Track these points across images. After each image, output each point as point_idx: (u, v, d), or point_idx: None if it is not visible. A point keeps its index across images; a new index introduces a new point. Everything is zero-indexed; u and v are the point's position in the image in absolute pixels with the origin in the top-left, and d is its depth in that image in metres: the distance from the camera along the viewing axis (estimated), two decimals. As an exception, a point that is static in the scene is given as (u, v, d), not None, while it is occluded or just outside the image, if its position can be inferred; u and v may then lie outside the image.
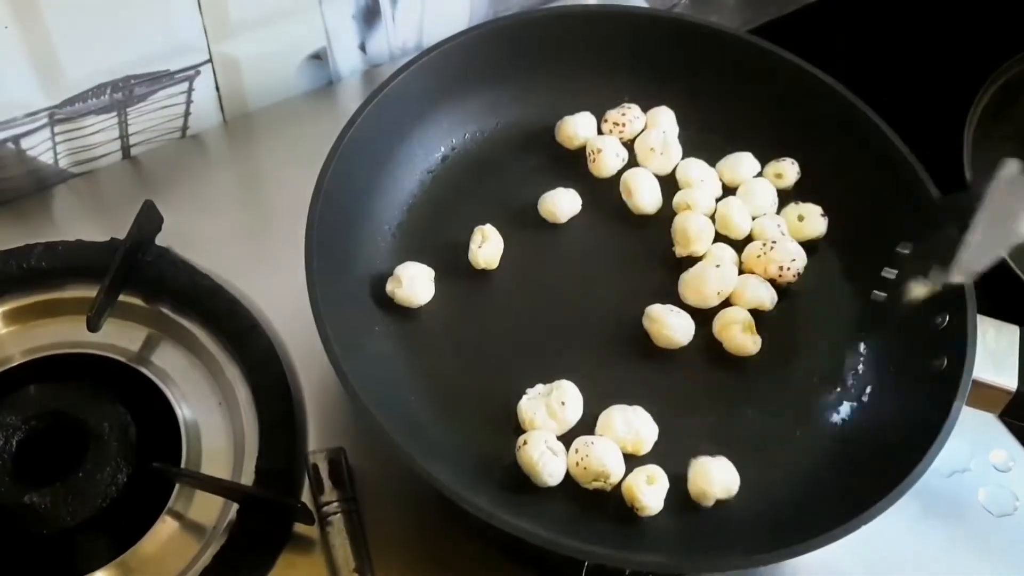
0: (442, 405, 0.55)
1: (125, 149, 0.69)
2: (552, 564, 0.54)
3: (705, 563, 0.51)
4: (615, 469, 0.53)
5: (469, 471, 0.52)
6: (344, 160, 0.56)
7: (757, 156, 0.64)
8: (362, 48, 0.73)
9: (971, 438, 0.61)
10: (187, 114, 0.69)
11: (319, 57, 0.72)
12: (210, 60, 0.67)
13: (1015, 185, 0.53)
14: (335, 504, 0.55)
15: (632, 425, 0.54)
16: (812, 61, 0.64)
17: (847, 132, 0.63)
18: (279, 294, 0.62)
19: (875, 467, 0.53)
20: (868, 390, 0.57)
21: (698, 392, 0.57)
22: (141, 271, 0.62)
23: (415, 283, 0.57)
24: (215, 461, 0.58)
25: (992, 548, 0.58)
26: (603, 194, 0.63)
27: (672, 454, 0.54)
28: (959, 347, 0.54)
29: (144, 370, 0.61)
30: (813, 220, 0.62)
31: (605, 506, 0.53)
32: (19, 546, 0.54)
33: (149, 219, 0.62)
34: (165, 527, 0.56)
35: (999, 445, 0.61)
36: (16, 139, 0.63)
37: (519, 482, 0.53)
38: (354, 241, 0.58)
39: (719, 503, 0.54)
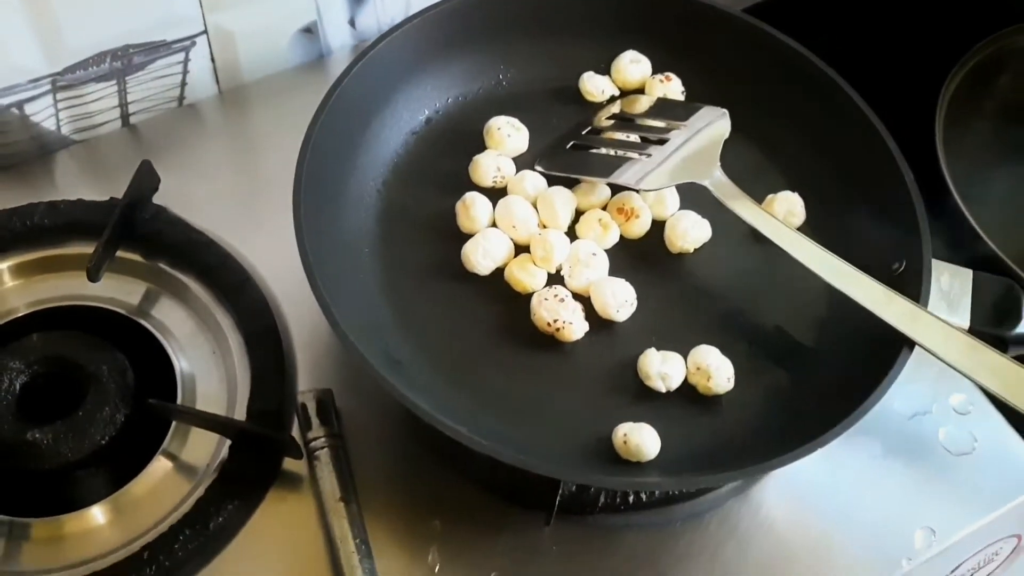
0: (421, 344, 0.58)
1: (124, 117, 0.72)
2: (527, 489, 0.57)
3: (671, 482, 0.55)
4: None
5: (448, 402, 0.55)
6: (332, 115, 0.60)
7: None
8: (351, 23, 0.76)
9: (932, 383, 0.64)
10: (184, 84, 0.73)
11: (310, 31, 0.75)
12: (205, 31, 0.70)
13: (716, 127, 0.62)
14: (322, 439, 0.58)
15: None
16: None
17: (814, 98, 0.66)
18: (270, 250, 0.65)
19: (833, 400, 0.55)
20: (832, 329, 0.60)
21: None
22: (139, 228, 0.65)
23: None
24: (209, 405, 0.61)
25: (951, 485, 0.61)
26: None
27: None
28: (914, 290, 0.57)
29: (142, 321, 0.64)
30: (797, 211, 0.64)
31: (580, 433, 0.56)
32: (21, 481, 0.57)
33: (146, 178, 0.65)
34: (159, 466, 0.59)
35: (959, 390, 0.64)
36: (20, 104, 0.67)
37: (496, 412, 0.56)
38: (341, 195, 0.61)
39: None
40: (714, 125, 0.64)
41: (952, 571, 0.61)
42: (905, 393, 0.63)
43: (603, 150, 0.64)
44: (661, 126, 0.64)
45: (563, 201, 0.62)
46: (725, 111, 0.64)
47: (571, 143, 0.66)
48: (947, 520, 0.59)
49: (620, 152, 0.63)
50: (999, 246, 0.72)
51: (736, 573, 0.57)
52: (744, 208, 0.60)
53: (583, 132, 0.66)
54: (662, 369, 0.57)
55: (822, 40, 0.69)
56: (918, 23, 0.95)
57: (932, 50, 0.94)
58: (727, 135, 0.64)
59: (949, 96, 0.91)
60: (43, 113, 0.68)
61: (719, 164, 0.62)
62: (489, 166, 0.64)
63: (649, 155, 0.62)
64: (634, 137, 0.65)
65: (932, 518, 0.59)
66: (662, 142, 0.63)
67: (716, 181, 0.61)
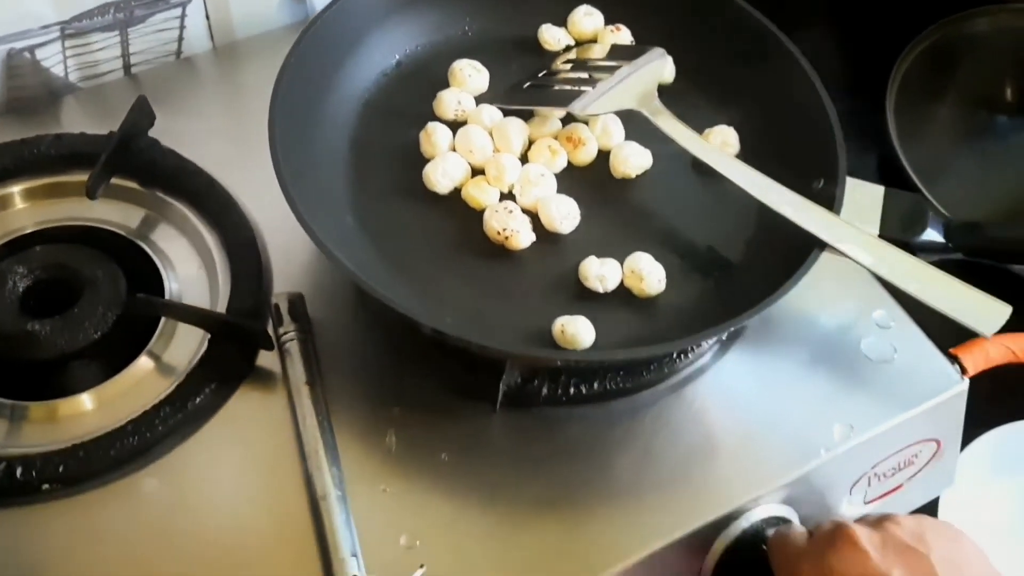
0: (385, 253, 0.64)
1: (126, 67, 0.79)
2: (475, 382, 0.62)
3: (595, 354, 0.61)
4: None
5: (406, 300, 0.61)
6: (308, 46, 0.67)
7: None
8: (336, -12, 0.84)
9: (856, 301, 0.70)
10: (181, 38, 0.80)
11: (297, -6, 0.83)
12: (201, -11, 0.78)
13: (653, 66, 0.69)
14: (292, 334, 0.64)
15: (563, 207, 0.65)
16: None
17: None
18: (252, 181, 0.70)
19: (756, 301, 0.61)
20: (758, 245, 0.66)
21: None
22: (135, 157, 0.71)
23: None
24: (193, 310, 0.67)
25: (870, 389, 0.66)
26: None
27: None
28: (829, 204, 0.63)
29: (137, 241, 0.70)
30: (731, 142, 0.71)
31: (524, 327, 0.62)
32: (22, 369, 0.63)
33: (142, 112, 0.72)
34: (144, 363, 0.64)
35: (881, 306, 0.69)
36: (31, 49, 0.74)
37: (451, 310, 0.62)
38: (314, 123, 0.68)
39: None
40: (655, 62, 0.70)
41: (872, 467, 0.66)
42: (831, 310, 0.69)
43: (555, 87, 0.71)
44: (609, 65, 0.71)
45: (516, 129, 0.69)
46: (664, 51, 0.71)
47: (528, 84, 0.72)
48: (865, 417, 0.64)
49: (570, 87, 0.70)
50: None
51: (666, 458, 0.62)
52: (677, 131, 0.66)
53: (539, 75, 0.73)
54: (600, 271, 0.63)
55: (777, 18, 0.75)
56: (870, 7, 1.02)
57: (884, 32, 1.00)
58: (667, 70, 0.70)
59: (900, 77, 0.97)
60: (53, 59, 0.75)
61: (657, 96, 0.68)
62: (451, 101, 0.70)
63: (594, 87, 0.69)
64: (585, 76, 0.71)
65: (851, 415, 0.64)
66: (607, 74, 0.69)
67: (653, 108, 0.67)
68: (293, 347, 0.63)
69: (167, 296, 0.68)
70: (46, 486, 0.58)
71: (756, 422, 0.64)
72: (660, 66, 0.70)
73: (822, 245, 0.61)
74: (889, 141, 0.93)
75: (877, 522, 0.57)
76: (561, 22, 0.76)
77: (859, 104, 0.87)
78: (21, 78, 0.75)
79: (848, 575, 0.54)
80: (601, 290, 0.63)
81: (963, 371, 0.67)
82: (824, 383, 0.66)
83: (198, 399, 0.61)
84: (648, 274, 0.63)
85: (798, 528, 0.60)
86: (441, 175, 0.66)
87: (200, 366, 0.63)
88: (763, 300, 0.58)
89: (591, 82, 0.70)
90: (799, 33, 0.72)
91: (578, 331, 0.60)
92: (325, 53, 0.69)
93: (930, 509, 0.73)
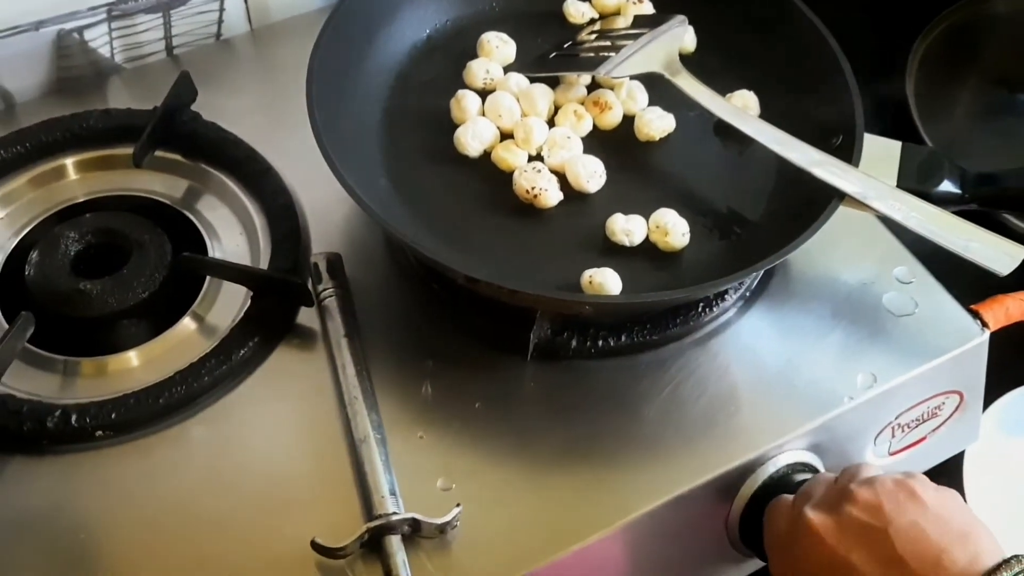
0: (419, 212, 0.67)
1: (169, 48, 0.83)
2: (508, 333, 0.65)
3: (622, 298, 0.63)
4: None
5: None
6: (342, 20, 0.70)
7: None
8: (368, -28, 0.87)
9: (878, 259, 0.71)
10: (220, 21, 0.83)
11: (331, -23, 0.86)
12: (238, -28, 0.81)
13: (675, 32, 0.71)
14: (331, 290, 0.66)
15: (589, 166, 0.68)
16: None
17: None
18: (289, 150, 0.73)
19: (771, 246, 0.63)
20: (777, 201, 0.68)
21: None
22: (178, 128, 0.75)
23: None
24: (235, 273, 0.70)
25: (892, 341, 0.67)
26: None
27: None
28: (848, 158, 0.65)
29: (181, 209, 0.73)
30: (752, 105, 0.73)
31: (553, 280, 0.64)
32: (74, 326, 0.66)
33: (185, 87, 0.75)
34: (188, 323, 0.67)
35: (902, 263, 0.71)
36: (80, 30, 0.78)
37: (482, 265, 0.64)
38: (349, 92, 0.71)
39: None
40: (676, 29, 0.72)
41: (896, 417, 0.68)
42: (853, 267, 0.71)
43: (581, 56, 0.73)
44: (632, 32, 0.73)
45: (542, 95, 0.71)
46: (685, 18, 0.73)
47: (554, 54, 0.75)
48: (887, 368, 0.66)
49: (594, 55, 0.72)
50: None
51: (692, 407, 0.64)
52: (699, 92, 0.68)
53: (565, 46, 0.75)
54: (626, 226, 0.65)
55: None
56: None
57: (904, 11, 1.01)
58: (689, 36, 0.73)
59: (920, 56, 0.98)
60: (99, 40, 0.79)
61: (678, 58, 0.70)
62: (480, 70, 0.73)
63: (618, 52, 0.71)
64: (608, 45, 0.74)
65: (874, 365, 0.66)
66: (631, 41, 0.72)
67: (675, 71, 0.69)
68: (332, 303, 0.66)
69: (210, 254, 0.71)
70: (99, 432, 0.61)
71: (780, 373, 0.66)
72: (681, 32, 0.73)
73: (840, 195, 0.63)
74: (910, 120, 0.94)
75: (836, 503, 0.56)
76: (586, -3, 0.79)
77: (880, 83, 0.89)
78: (70, 58, 0.79)
79: (812, 565, 0.55)
80: (627, 244, 0.65)
81: (984, 325, 0.68)
82: (847, 336, 0.68)
83: (242, 352, 0.64)
84: (673, 228, 0.65)
85: (785, 499, 0.61)
86: (471, 138, 0.69)
87: (243, 322, 0.65)
88: (783, 248, 0.60)
89: (615, 48, 0.72)
90: (819, 12, 0.74)
91: (605, 281, 0.62)
92: (358, 27, 0.72)
93: (955, 464, 0.74)
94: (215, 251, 0.71)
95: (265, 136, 0.76)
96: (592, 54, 0.73)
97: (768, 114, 0.72)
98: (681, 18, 0.73)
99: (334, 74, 0.69)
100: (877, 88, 0.79)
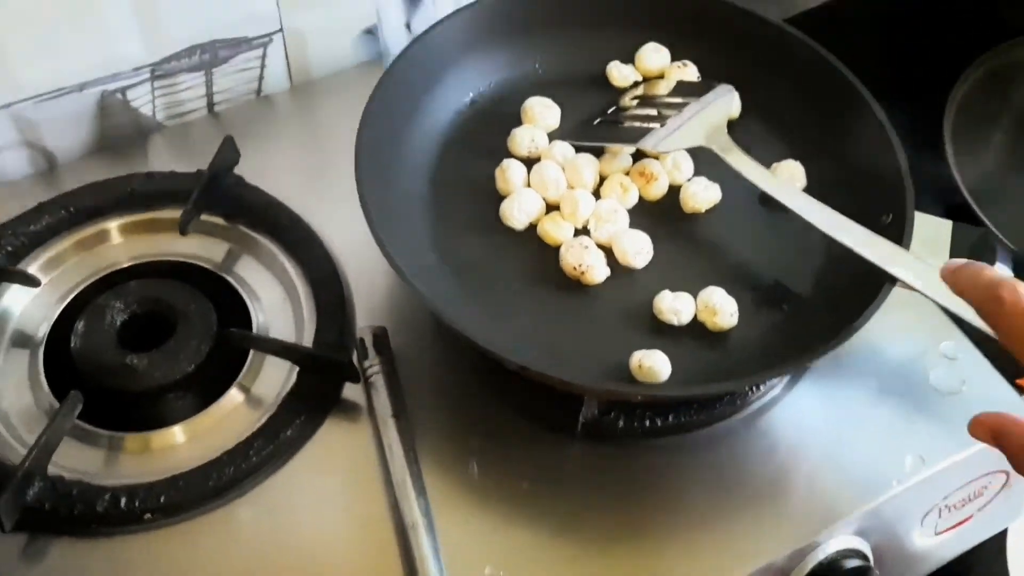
0: (464, 286, 0.67)
1: (210, 105, 0.82)
2: (555, 412, 0.64)
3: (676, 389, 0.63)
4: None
5: (485, 333, 0.63)
6: (388, 90, 0.69)
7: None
8: (407, 26, 0.87)
9: (924, 333, 0.71)
10: (261, 77, 0.83)
11: (371, 33, 0.85)
12: (281, 30, 0.81)
13: (722, 102, 0.72)
14: (377, 367, 0.66)
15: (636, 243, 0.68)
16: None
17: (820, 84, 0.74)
18: (333, 214, 0.74)
19: (827, 334, 0.62)
20: (827, 277, 0.68)
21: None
22: (221, 193, 0.75)
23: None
24: (280, 343, 0.70)
25: (939, 420, 0.67)
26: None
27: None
28: (898, 239, 0.65)
29: (224, 275, 0.73)
30: (798, 176, 0.72)
31: (601, 361, 0.64)
32: (118, 400, 0.66)
33: (228, 152, 0.75)
34: (234, 395, 0.67)
35: (949, 338, 0.71)
36: (123, 91, 0.78)
37: (527, 344, 0.64)
38: (395, 161, 0.70)
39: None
40: (723, 99, 0.72)
41: (943, 499, 0.67)
42: (899, 341, 0.70)
43: (625, 124, 0.73)
44: (677, 102, 0.73)
45: (588, 164, 0.71)
46: (732, 88, 0.73)
47: (598, 120, 0.74)
48: (935, 449, 0.66)
49: (639, 124, 0.72)
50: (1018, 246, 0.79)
51: (740, 490, 0.64)
52: (746, 167, 0.68)
53: (609, 112, 0.75)
54: (674, 305, 0.65)
55: (835, 45, 0.77)
56: (929, 28, 1.03)
57: (940, 57, 1.01)
58: (735, 106, 0.72)
59: (957, 102, 0.98)
60: (142, 99, 0.79)
61: (726, 131, 0.70)
62: (524, 138, 0.73)
63: (664, 124, 0.71)
64: (653, 113, 0.73)
65: (921, 447, 0.66)
66: (676, 111, 0.71)
67: (723, 144, 0.69)
68: (378, 380, 0.66)
69: (254, 328, 0.71)
70: (148, 515, 0.61)
71: (827, 454, 0.65)
72: (728, 102, 0.72)
73: (892, 280, 0.62)
74: (946, 165, 0.94)
75: None
76: (629, 59, 0.78)
77: (916, 128, 0.88)
78: (113, 117, 0.79)
79: None
80: (676, 323, 0.65)
81: (1032, 402, 0.68)
82: (893, 415, 0.67)
83: (288, 431, 0.64)
84: (721, 308, 0.65)
85: None
86: (517, 211, 0.69)
87: (289, 398, 0.65)
88: (835, 337, 0.60)
89: (660, 119, 0.72)
90: (856, 60, 0.74)
91: (655, 364, 0.62)
92: (402, 96, 0.71)
93: (998, 540, 0.74)
94: (258, 316, 0.71)
95: (308, 199, 0.76)
96: (637, 123, 0.72)
97: (814, 185, 0.71)
98: (727, 88, 0.73)
99: (381, 145, 0.69)
100: (913, 133, 0.79)
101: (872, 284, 0.63)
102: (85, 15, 0.72)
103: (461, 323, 0.60)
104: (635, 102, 0.75)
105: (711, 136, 0.70)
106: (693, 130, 0.70)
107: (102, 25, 0.73)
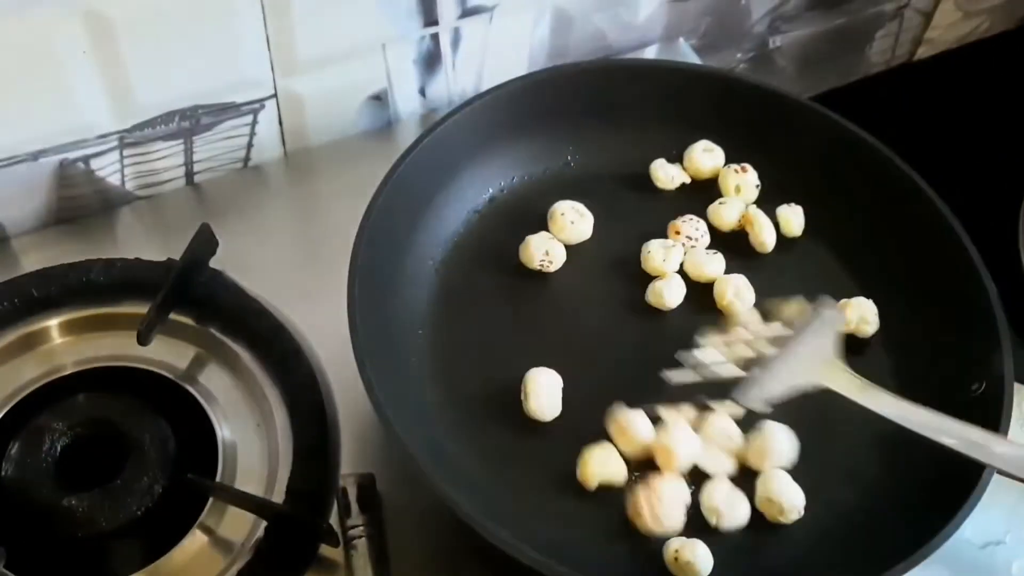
0: (470, 435, 0.56)
1: (189, 175, 0.72)
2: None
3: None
4: None
5: (492, 500, 0.53)
6: (394, 193, 0.59)
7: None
8: (422, 92, 0.76)
9: (1008, 511, 0.61)
10: (250, 145, 0.72)
11: (379, 98, 0.74)
12: (275, 95, 0.70)
13: (827, 324, 0.56)
14: (361, 528, 0.56)
15: None
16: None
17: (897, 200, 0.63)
18: (324, 321, 0.63)
19: (903, 529, 0.52)
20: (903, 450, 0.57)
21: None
22: (193, 291, 0.64)
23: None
24: (249, 480, 0.59)
25: (1023, 625, 0.57)
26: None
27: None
28: (994, 414, 0.54)
29: (189, 388, 0.62)
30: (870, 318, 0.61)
31: (631, 552, 0.54)
32: (54, 547, 0.56)
33: (204, 242, 0.64)
34: (195, 540, 0.57)
35: (1037, 520, 0.60)
36: (86, 159, 0.67)
37: (544, 519, 0.54)
38: (397, 273, 0.60)
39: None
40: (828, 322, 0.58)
41: None
42: (977, 520, 0.59)
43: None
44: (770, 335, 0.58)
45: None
46: (834, 302, 0.60)
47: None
48: (1017, 664, 0.56)
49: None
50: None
51: None
52: (872, 399, 0.55)
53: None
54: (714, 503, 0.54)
55: (896, 138, 0.66)
56: (1002, 120, 0.92)
57: (1014, 156, 0.90)
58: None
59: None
60: (109, 168, 0.68)
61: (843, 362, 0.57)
62: (538, 249, 0.62)
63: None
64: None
65: (1001, 660, 0.56)
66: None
67: (843, 382, 0.55)
68: (361, 544, 0.55)
69: (220, 453, 0.60)
70: None
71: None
72: (833, 323, 0.58)
73: (982, 468, 0.51)
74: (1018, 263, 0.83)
75: None
76: (676, 158, 0.67)
77: (989, 242, 0.78)
78: (73, 188, 0.68)
79: None
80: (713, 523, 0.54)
81: None
82: (969, 617, 0.57)
83: (250, 603, 0.53)
84: (789, 504, 0.54)
85: None
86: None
87: (255, 563, 0.55)
88: (917, 548, 0.49)
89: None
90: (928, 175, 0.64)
91: (695, 559, 0.52)
92: (410, 197, 0.61)
93: None
94: (224, 438, 0.61)
95: (296, 300, 0.65)
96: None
97: (888, 332, 0.61)
98: (831, 303, 0.59)
99: (381, 255, 0.59)
100: (986, 246, 0.69)
101: (960, 476, 0.53)
102: (41, 77, 0.61)
103: (460, 497, 0.50)
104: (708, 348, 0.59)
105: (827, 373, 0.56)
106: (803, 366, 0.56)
107: (62, 88, 0.62)
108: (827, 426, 0.58)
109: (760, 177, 0.66)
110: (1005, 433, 0.53)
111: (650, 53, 0.81)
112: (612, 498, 0.55)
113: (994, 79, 0.97)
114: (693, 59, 0.81)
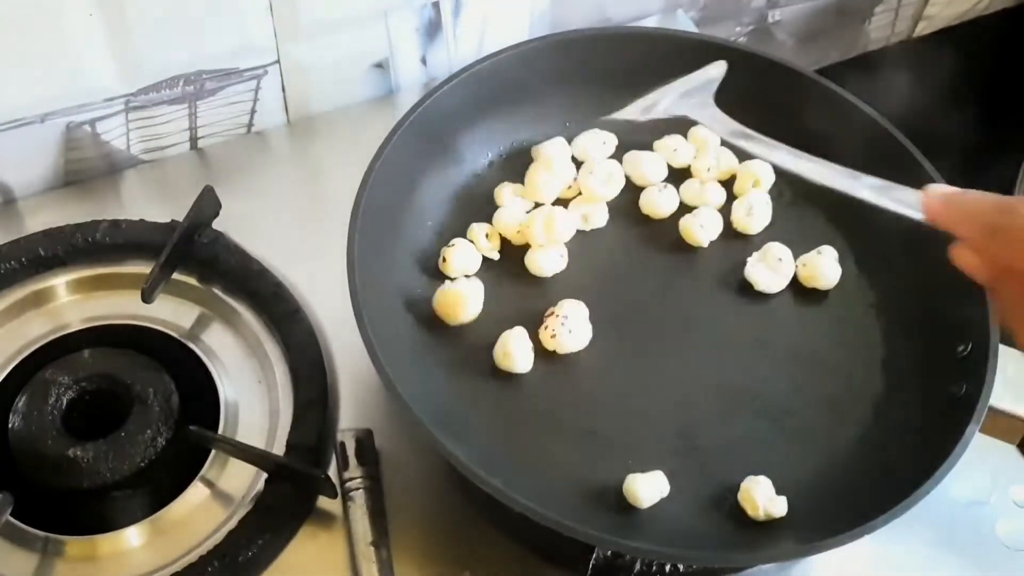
0: (465, 392, 0.58)
1: (193, 140, 0.73)
2: (565, 553, 0.55)
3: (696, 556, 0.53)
4: None
5: (487, 453, 0.54)
6: (394, 153, 0.60)
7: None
8: (423, 61, 0.77)
9: (992, 472, 0.62)
10: (253, 111, 0.73)
11: (381, 66, 0.75)
12: (278, 62, 0.71)
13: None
14: (358, 480, 0.57)
15: None
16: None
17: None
18: (324, 282, 0.64)
19: (885, 485, 0.53)
20: (888, 412, 0.58)
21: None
22: (197, 252, 0.65)
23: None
24: (250, 434, 0.61)
25: (1006, 582, 0.58)
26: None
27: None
28: (978, 375, 0.55)
29: (192, 345, 0.64)
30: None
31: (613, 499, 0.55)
32: (59, 497, 0.58)
33: (208, 203, 0.66)
34: (196, 492, 0.59)
35: (1021, 481, 0.61)
36: (92, 122, 0.68)
37: (537, 471, 0.55)
38: (396, 236, 0.61)
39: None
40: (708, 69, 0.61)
41: (1003, 673, 0.58)
42: (962, 479, 0.61)
43: None
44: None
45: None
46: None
47: None
48: (1000, 619, 0.57)
49: None
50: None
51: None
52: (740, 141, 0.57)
53: None
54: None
55: (895, 114, 0.67)
56: (999, 101, 0.93)
57: (1012, 133, 0.91)
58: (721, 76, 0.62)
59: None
60: (114, 132, 0.69)
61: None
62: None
63: None
64: None
65: (987, 615, 0.57)
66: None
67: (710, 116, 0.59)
68: (359, 496, 0.57)
69: (222, 408, 0.62)
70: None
71: (875, 616, 0.56)
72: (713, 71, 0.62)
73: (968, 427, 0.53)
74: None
75: None
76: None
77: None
78: (80, 151, 0.69)
79: None
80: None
81: (1114, 565, 0.58)
82: (952, 572, 0.58)
83: (250, 552, 0.55)
84: (765, 506, 0.55)
85: None
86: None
87: (254, 512, 0.56)
88: (894, 505, 0.50)
89: None
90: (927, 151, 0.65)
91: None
92: (410, 158, 0.62)
93: None
94: (227, 395, 0.62)
95: (297, 261, 0.67)
96: None
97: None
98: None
99: (380, 216, 0.59)
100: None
101: (945, 422, 0.54)
102: (48, 39, 0.62)
103: (457, 449, 0.51)
104: None
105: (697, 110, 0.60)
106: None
107: (69, 51, 0.63)
108: (815, 376, 0.60)
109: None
110: (988, 395, 0.54)
111: (649, 24, 0.82)
112: (608, 451, 0.57)
113: (994, 56, 0.97)
114: (692, 30, 0.81)
